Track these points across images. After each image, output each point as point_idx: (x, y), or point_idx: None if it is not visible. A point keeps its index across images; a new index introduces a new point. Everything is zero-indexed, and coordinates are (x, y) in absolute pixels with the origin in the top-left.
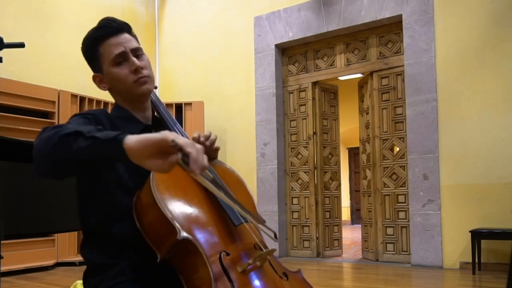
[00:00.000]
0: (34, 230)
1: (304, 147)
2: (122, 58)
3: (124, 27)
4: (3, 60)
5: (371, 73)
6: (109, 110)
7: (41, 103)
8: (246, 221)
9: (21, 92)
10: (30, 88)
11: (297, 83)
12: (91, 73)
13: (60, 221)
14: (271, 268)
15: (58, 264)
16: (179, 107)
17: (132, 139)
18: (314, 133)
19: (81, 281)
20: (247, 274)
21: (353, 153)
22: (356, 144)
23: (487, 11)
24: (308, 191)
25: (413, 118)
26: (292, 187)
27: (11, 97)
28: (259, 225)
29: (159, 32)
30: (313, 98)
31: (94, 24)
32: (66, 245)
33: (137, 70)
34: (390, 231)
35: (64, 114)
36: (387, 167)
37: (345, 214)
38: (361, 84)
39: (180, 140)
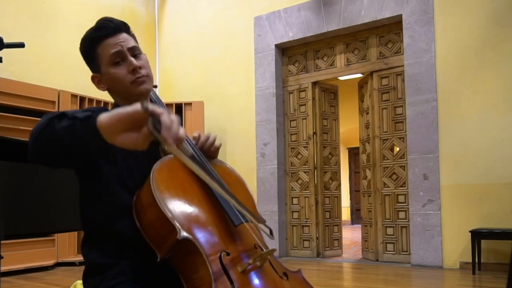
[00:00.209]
0: (34, 230)
1: (304, 147)
2: (119, 58)
3: (122, 27)
4: (3, 60)
5: (371, 73)
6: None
7: (41, 103)
8: (246, 221)
9: (21, 92)
10: (30, 88)
11: (297, 83)
12: (91, 73)
13: (60, 221)
14: (271, 268)
15: (58, 264)
16: (179, 107)
17: (104, 115)
18: (314, 133)
19: (81, 281)
20: (247, 274)
21: (353, 153)
22: (356, 144)
23: (487, 11)
24: (308, 191)
25: (413, 118)
26: (292, 187)
27: (11, 97)
28: (256, 222)
29: (159, 32)
30: (313, 98)
31: (94, 24)
32: (66, 245)
33: (135, 70)
34: (390, 231)
35: None
36: (387, 167)
37: (345, 214)
38: (361, 84)
39: (152, 106)
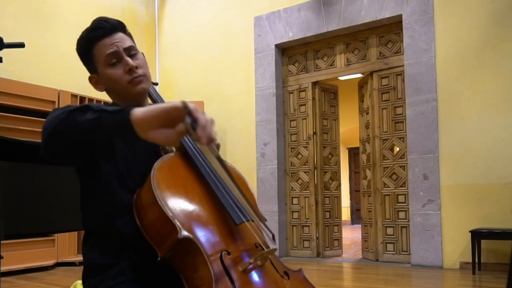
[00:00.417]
0: (34, 230)
1: (304, 147)
2: (115, 58)
3: (118, 27)
4: (3, 60)
5: (371, 73)
6: None
7: (41, 103)
8: (247, 220)
9: (21, 92)
10: (30, 88)
11: (297, 83)
12: (89, 74)
13: (60, 221)
14: (272, 267)
15: (58, 264)
16: None
17: (139, 110)
18: (314, 133)
19: (81, 281)
20: (248, 274)
21: (353, 153)
22: (356, 144)
23: (487, 11)
24: (308, 191)
25: (413, 118)
26: (292, 187)
27: (11, 97)
28: (260, 224)
29: (159, 32)
30: (313, 98)
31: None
32: (66, 245)
33: (131, 70)
34: (390, 231)
35: None
36: (387, 167)
37: (345, 214)
38: (361, 84)
39: (191, 105)
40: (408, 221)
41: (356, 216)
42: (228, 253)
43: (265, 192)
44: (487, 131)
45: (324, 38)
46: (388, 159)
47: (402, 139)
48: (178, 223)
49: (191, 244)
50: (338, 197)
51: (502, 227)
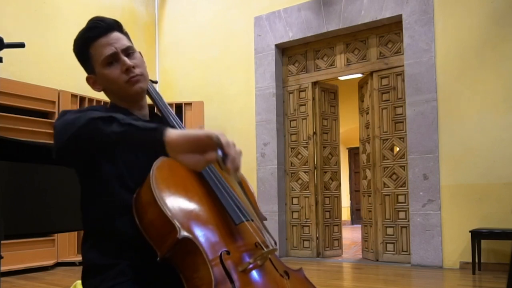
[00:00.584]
0: (34, 230)
1: (304, 147)
2: (112, 59)
3: (114, 26)
4: (3, 60)
5: (371, 73)
6: None
7: (41, 103)
8: (247, 220)
9: (21, 92)
10: (30, 88)
11: (297, 83)
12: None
13: (60, 221)
14: (272, 266)
15: (58, 264)
16: (179, 107)
17: (175, 132)
18: (314, 133)
19: (81, 281)
20: (248, 273)
21: (353, 153)
22: (356, 144)
23: (487, 11)
24: (308, 191)
25: (413, 118)
26: (292, 187)
27: (11, 97)
28: (262, 229)
29: (159, 32)
30: (313, 98)
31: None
32: (66, 245)
33: (128, 69)
34: (390, 231)
35: None
36: (387, 167)
37: (345, 214)
38: (361, 84)
39: (222, 137)
40: (408, 221)
41: (356, 216)
42: (228, 253)
43: (265, 192)
44: (487, 131)
45: (324, 38)
46: (388, 159)
47: (402, 139)
48: (177, 223)
49: (191, 244)
50: (338, 197)
51: (502, 227)
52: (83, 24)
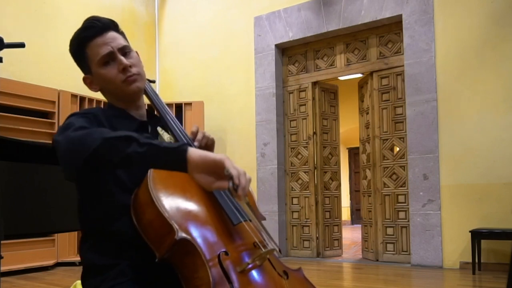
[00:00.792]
0: (34, 230)
1: (304, 147)
2: (109, 58)
3: (110, 25)
4: (3, 60)
5: (371, 73)
6: None
7: (41, 103)
8: (245, 220)
9: (21, 92)
10: (30, 88)
11: (297, 83)
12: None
13: (60, 221)
14: (271, 267)
15: (58, 264)
16: (179, 107)
17: (196, 153)
18: (314, 133)
19: (80, 281)
20: (246, 274)
21: (353, 153)
22: (356, 144)
23: (487, 11)
24: (308, 191)
25: (413, 118)
26: (292, 187)
27: (11, 97)
28: (265, 235)
29: (159, 32)
30: (313, 98)
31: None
32: (66, 245)
33: (125, 69)
34: (390, 231)
35: (64, 114)
36: (387, 167)
37: (345, 214)
38: (361, 84)
39: (233, 171)
40: (408, 221)
41: (356, 216)
42: (226, 254)
43: (265, 192)
44: (487, 131)
45: (324, 38)
46: (388, 159)
47: (402, 139)
48: (175, 224)
49: (189, 245)
50: (338, 197)
51: (502, 227)
52: None
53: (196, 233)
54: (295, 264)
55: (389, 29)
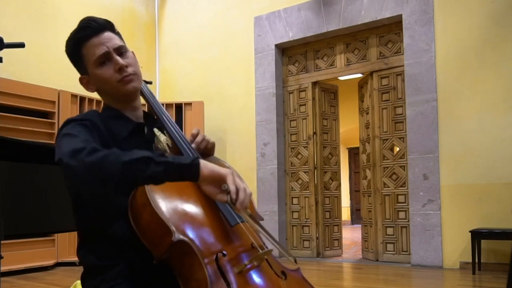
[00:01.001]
0: (34, 230)
1: (304, 147)
2: (105, 59)
3: (106, 26)
4: (3, 60)
5: (371, 73)
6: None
7: (41, 103)
8: (242, 221)
9: (21, 92)
10: (30, 88)
11: (297, 83)
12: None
13: (60, 221)
14: (269, 267)
15: (58, 264)
16: (179, 107)
17: (206, 167)
18: (314, 133)
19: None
20: (244, 275)
21: (353, 153)
22: (356, 144)
23: (487, 11)
24: (308, 191)
25: (413, 118)
26: (292, 187)
27: (11, 97)
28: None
29: (159, 32)
30: (313, 98)
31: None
32: (66, 245)
33: (121, 69)
34: (390, 231)
35: (64, 114)
36: (387, 167)
37: (345, 214)
38: (361, 84)
39: (232, 186)
40: (408, 221)
41: (356, 216)
42: (224, 255)
43: (265, 192)
44: (487, 131)
45: (324, 38)
46: (388, 159)
47: (402, 139)
48: (172, 226)
49: (186, 246)
50: (338, 197)
51: (502, 227)
52: None
53: (193, 235)
54: (295, 264)
55: (389, 29)
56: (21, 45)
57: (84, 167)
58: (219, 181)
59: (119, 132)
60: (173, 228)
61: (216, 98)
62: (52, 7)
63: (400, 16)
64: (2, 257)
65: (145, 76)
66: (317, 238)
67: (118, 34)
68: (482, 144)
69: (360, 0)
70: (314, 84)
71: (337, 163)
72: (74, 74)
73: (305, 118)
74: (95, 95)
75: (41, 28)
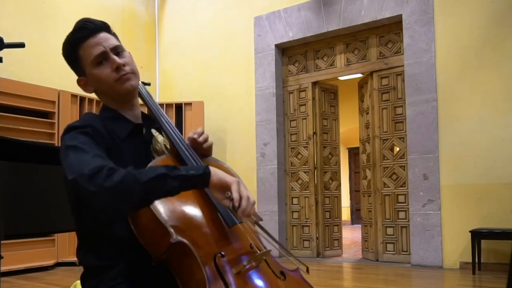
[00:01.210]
0: (34, 230)
1: (304, 147)
2: (102, 58)
3: (102, 27)
4: (3, 60)
5: (371, 73)
6: None
7: (41, 103)
8: (240, 222)
9: (21, 92)
10: (30, 88)
11: (297, 83)
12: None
13: (60, 221)
14: (268, 267)
15: (58, 264)
16: (179, 107)
17: (215, 175)
18: (314, 133)
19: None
20: (243, 275)
21: (353, 153)
22: (356, 144)
23: (487, 11)
24: (308, 191)
25: (413, 118)
26: (292, 187)
27: (11, 97)
28: (290, 257)
29: (159, 32)
30: (313, 98)
31: None
32: (66, 245)
33: (118, 67)
34: (390, 231)
35: (64, 114)
36: (387, 167)
37: (345, 214)
38: (361, 84)
39: (235, 194)
40: (408, 221)
41: (356, 216)
42: (223, 256)
43: (265, 192)
44: (487, 131)
45: (324, 38)
46: (388, 159)
47: (402, 139)
48: (170, 228)
49: (185, 248)
50: (338, 197)
51: (502, 227)
52: None
53: (191, 236)
54: (294, 265)
55: (389, 29)
56: (21, 45)
57: (104, 193)
58: (225, 188)
59: (118, 133)
60: (172, 230)
61: (216, 98)
62: (52, 7)
63: (400, 16)
64: (2, 257)
65: (145, 76)
66: (317, 238)
67: (114, 35)
68: (482, 144)
69: (360, 0)
70: (314, 84)
71: (337, 163)
72: (74, 74)
73: (305, 118)
74: (95, 95)
75: (41, 28)
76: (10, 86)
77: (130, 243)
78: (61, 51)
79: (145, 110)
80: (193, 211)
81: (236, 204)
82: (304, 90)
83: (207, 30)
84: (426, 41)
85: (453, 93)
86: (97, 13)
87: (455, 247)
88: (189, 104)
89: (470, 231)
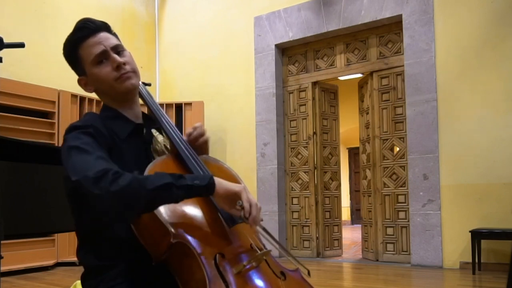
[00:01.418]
0: (34, 230)
1: (304, 147)
2: (103, 57)
3: (103, 27)
4: (3, 60)
5: (371, 73)
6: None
7: (41, 103)
8: (241, 222)
9: (21, 92)
10: (30, 88)
11: (297, 83)
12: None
13: (60, 221)
14: (268, 267)
15: (58, 264)
16: (179, 107)
17: (221, 187)
18: (314, 133)
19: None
20: (243, 275)
21: (353, 153)
22: (356, 144)
23: (487, 11)
24: (308, 191)
25: (413, 118)
26: (292, 187)
27: (11, 97)
28: (293, 260)
29: (159, 32)
30: (313, 98)
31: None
32: (66, 245)
33: (119, 66)
34: (390, 231)
35: (64, 114)
36: (387, 167)
37: (345, 214)
38: (361, 84)
39: (246, 204)
40: (408, 221)
41: (356, 216)
42: (223, 256)
43: (265, 192)
44: (487, 131)
45: (324, 38)
46: (388, 159)
47: (402, 139)
48: (171, 227)
49: (185, 248)
50: (338, 197)
51: (502, 227)
52: None
53: (191, 236)
54: (294, 265)
55: (389, 29)
56: (21, 45)
57: (109, 197)
58: (233, 197)
59: (119, 133)
60: (172, 230)
61: (216, 98)
62: (52, 7)
63: (400, 16)
64: (2, 257)
65: (145, 76)
66: (317, 238)
67: (114, 34)
68: (482, 144)
69: (360, 0)
70: (314, 84)
71: (337, 163)
72: (74, 74)
73: (305, 118)
74: (95, 95)
75: (41, 28)
76: (10, 86)
77: (130, 243)
78: (61, 51)
79: (146, 110)
80: (194, 211)
81: (247, 215)
82: (304, 90)
83: (207, 30)
84: (426, 41)
85: (453, 93)
86: (97, 13)
87: (455, 247)
88: (189, 104)
89: (470, 231)
